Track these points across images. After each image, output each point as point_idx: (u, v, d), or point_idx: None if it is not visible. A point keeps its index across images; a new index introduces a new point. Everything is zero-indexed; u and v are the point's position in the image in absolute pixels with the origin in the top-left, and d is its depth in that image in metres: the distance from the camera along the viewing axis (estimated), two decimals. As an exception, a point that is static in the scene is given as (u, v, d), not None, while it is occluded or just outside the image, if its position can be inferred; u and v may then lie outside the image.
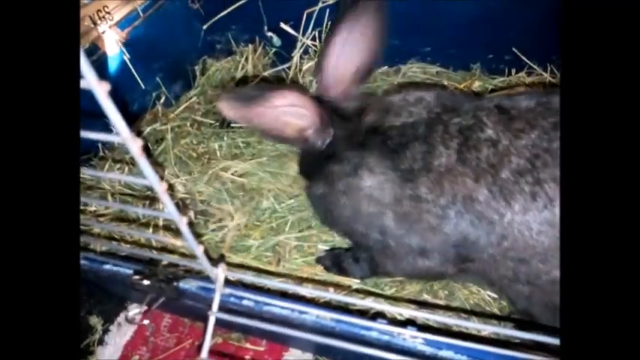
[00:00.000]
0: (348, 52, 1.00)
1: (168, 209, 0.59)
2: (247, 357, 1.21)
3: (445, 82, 1.57)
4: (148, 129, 1.52)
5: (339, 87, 1.02)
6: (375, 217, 0.90)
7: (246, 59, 1.77)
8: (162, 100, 1.64)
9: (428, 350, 0.64)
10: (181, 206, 1.25)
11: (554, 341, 0.60)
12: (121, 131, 0.48)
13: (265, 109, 0.87)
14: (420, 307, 0.96)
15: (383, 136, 0.91)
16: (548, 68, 1.49)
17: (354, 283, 1.06)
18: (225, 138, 1.52)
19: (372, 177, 0.90)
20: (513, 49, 1.50)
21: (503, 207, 0.78)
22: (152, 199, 1.27)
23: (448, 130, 0.86)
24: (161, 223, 1.21)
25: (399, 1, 1.46)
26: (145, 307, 0.93)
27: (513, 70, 1.55)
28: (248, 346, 1.22)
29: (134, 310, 1.20)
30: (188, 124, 1.62)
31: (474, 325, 0.82)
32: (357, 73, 1.02)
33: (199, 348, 1.26)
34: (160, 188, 0.55)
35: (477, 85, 1.57)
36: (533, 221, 0.76)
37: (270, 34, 1.69)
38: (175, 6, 1.66)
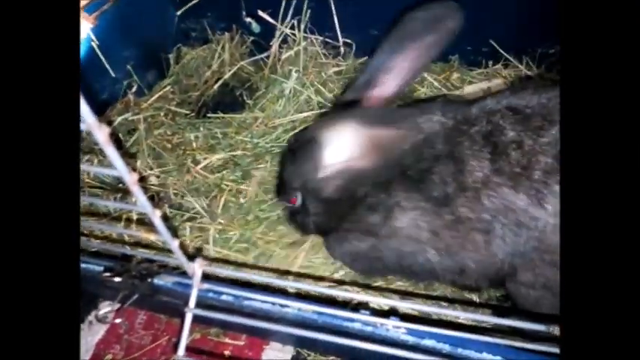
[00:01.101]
0: (409, 66, 1.01)
1: (140, 201, 0.55)
2: (227, 352, 1.18)
3: (424, 73, 1.56)
4: (119, 119, 1.45)
5: (385, 101, 1.00)
6: (418, 254, 0.88)
7: (223, 48, 1.71)
8: (134, 89, 1.57)
9: (411, 340, 0.64)
10: (155, 199, 1.20)
11: (534, 327, 0.61)
12: (86, 118, 0.44)
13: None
14: (401, 297, 0.96)
15: (399, 166, 0.87)
16: (524, 60, 1.51)
17: (336, 274, 1.04)
18: (202, 129, 1.47)
19: (405, 215, 0.86)
20: (491, 41, 1.51)
21: (539, 211, 0.76)
22: (124, 192, 1.22)
23: (473, 139, 0.82)
24: (135, 217, 1.15)
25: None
26: (117, 305, 0.90)
27: (490, 62, 1.56)
28: (227, 340, 1.19)
29: (105, 309, 1.15)
30: (162, 114, 1.55)
31: (454, 313, 0.83)
32: (404, 87, 1.02)
33: (176, 345, 1.22)
34: (130, 179, 0.52)
35: (455, 77, 1.57)
36: None
37: (248, 19, 1.63)
38: (148, -9, 1.59)
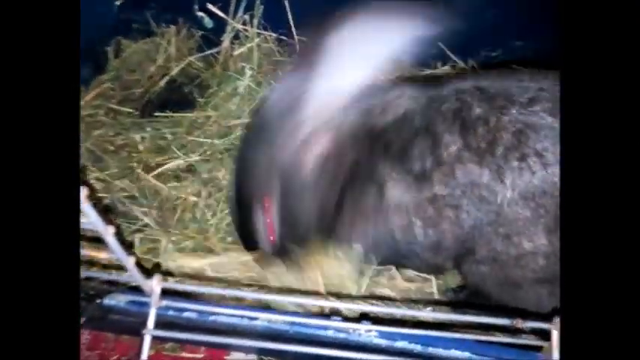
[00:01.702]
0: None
1: (91, 219, 0.49)
2: (185, 367, 1.11)
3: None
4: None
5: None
6: (408, 228, 0.88)
7: (169, 42, 1.60)
8: (67, 85, 1.41)
9: (384, 343, 0.64)
10: (100, 208, 1.09)
11: (498, 321, 0.64)
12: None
13: None
14: (369, 301, 0.96)
15: (383, 140, 0.88)
16: (469, 62, 1.59)
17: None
18: (149, 129, 1.36)
19: (395, 188, 0.87)
20: (438, 43, 1.57)
21: (498, 186, 0.81)
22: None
23: (445, 116, 0.86)
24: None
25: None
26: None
27: (439, 64, 1.62)
28: (185, 355, 1.12)
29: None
30: (102, 112, 1.42)
31: (423, 314, 0.85)
32: None
33: (128, 364, 1.13)
34: (81, 194, 0.45)
35: (406, 77, 1.62)
36: (519, 195, 0.80)
37: (200, 14, 1.54)
38: (79, -25, 1.43)
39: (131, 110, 1.44)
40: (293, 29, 1.55)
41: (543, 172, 0.79)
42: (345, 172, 0.93)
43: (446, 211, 0.86)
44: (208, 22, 1.56)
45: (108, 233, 0.52)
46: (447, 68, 1.62)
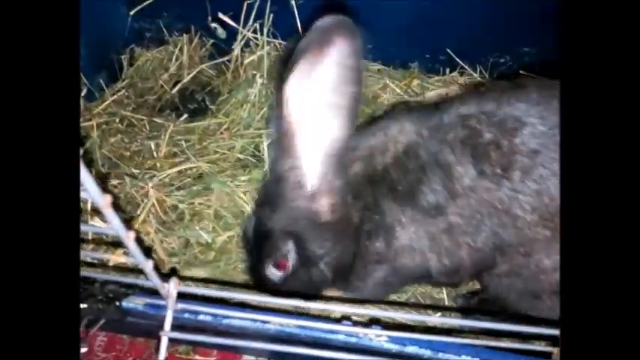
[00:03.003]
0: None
1: (113, 224, 0.52)
2: (198, 370, 1.14)
3: (387, 80, 1.61)
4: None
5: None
6: (423, 263, 0.88)
7: (181, 50, 1.64)
8: (83, 93, 1.46)
9: (394, 348, 0.66)
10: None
11: (506, 327, 0.65)
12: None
13: None
14: (380, 307, 0.98)
15: (385, 181, 0.86)
16: (478, 69, 1.60)
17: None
18: (162, 136, 1.40)
19: (405, 231, 0.86)
20: (447, 49, 1.59)
21: (517, 208, 0.80)
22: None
23: (453, 145, 0.83)
24: (89, 235, 1.07)
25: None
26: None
27: (447, 70, 1.64)
28: (197, 358, 1.15)
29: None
30: (117, 120, 1.46)
31: (434, 319, 0.86)
32: None
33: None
34: (103, 201, 0.48)
35: (415, 84, 1.63)
36: (538, 218, 0.80)
37: (214, 25, 1.58)
38: (96, -14, 1.49)
39: (145, 117, 1.48)
40: (302, 36, 1.58)
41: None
42: (354, 224, 0.90)
43: (463, 238, 0.86)
44: (222, 33, 1.60)
45: (129, 239, 0.55)
46: (455, 74, 1.63)
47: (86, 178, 0.45)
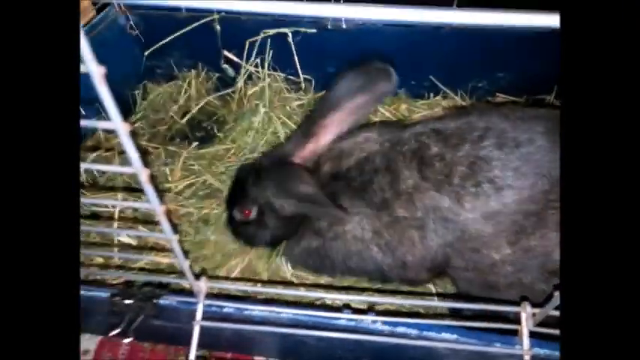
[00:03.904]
0: (342, 123, 1.16)
1: (165, 229, 0.68)
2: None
3: (378, 106, 1.81)
4: (93, 155, 1.52)
5: (319, 153, 1.17)
6: (364, 253, 1.07)
7: (189, 84, 1.85)
8: (103, 126, 1.64)
9: (387, 329, 0.81)
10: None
11: (472, 307, 0.81)
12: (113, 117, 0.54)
13: None
14: (374, 294, 1.14)
15: (345, 179, 1.08)
16: (459, 92, 1.81)
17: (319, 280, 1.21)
18: (177, 162, 1.57)
19: (350, 220, 1.06)
20: (430, 77, 1.80)
21: (459, 208, 0.97)
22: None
23: (404, 155, 1.04)
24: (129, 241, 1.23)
25: (337, 32, 1.69)
26: (98, 338, 0.92)
27: (432, 94, 1.84)
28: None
29: (84, 343, 1.20)
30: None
31: (419, 303, 1.02)
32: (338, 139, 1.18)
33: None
34: (160, 209, 0.65)
35: (403, 108, 1.83)
36: (479, 216, 0.96)
37: (225, 66, 1.80)
38: (113, 33, 1.70)
39: (157, 146, 1.66)
40: (299, 69, 1.79)
41: (497, 195, 0.94)
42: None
43: (409, 233, 1.02)
44: (231, 72, 1.81)
45: (174, 241, 0.71)
46: (439, 98, 1.84)
47: (148, 190, 0.62)
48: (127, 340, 0.80)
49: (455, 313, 1.10)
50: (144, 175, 0.55)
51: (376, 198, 1.04)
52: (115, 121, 0.50)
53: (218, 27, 1.73)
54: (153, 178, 0.57)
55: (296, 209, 1.12)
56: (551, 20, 0.49)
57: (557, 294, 0.70)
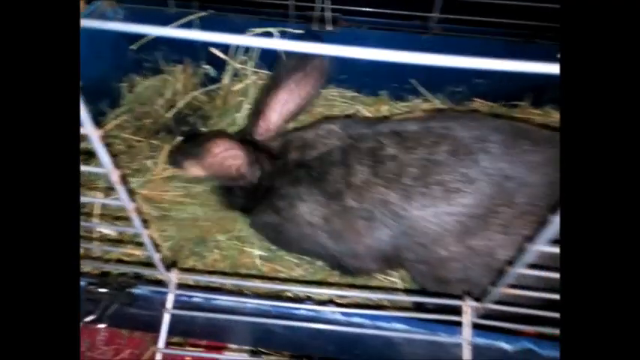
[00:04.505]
0: (286, 102, 1.28)
1: (135, 225, 0.74)
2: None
3: (360, 106, 1.88)
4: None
5: (272, 129, 1.29)
6: (314, 237, 1.16)
7: (176, 79, 1.90)
8: (89, 118, 1.69)
9: (343, 319, 0.89)
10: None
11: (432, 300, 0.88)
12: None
13: (209, 160, 1.13)
14: (333, 287, 1.23)
15: (307, 168, 1.18)
16: (438, 97, 1.88)
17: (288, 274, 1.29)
18: (159, 155, 1.63)
19: (304, 205, 1.16)
20: (410, 80, 1.87)
21: (407, 205, 1.04)
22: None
23: (360, 152, 1.13)
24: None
25: (322, 34, 1.75)
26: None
27: (412, 97, 1.91)
28: (188, 348, 1.35)
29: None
30: (118, 141, 1.69)
31: (371, 296, 1.11)
32: (289, 118, 1.31)
33: (139, 356, 1.37)
34: (131, 206, 0.71)
35: (385, 109, 1.90)
36: (427, 214, 1.03)
37: (206, 66, 1.86)
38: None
39: (142, 139, 1.72)
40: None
41: (446, 197, 1.00)
42: (268, 183, 1.24)
43: (357, 224, 1.10)
44: (213, 72, 1.87)
45: (145, 235, 0.78)
46: (419, 101, 1.91)
47: (120, 190, 0.68)
48: (102, 325, 0.86)
49: (417, 307, 1.18)
50: (115, 175, 0.62)
51: (330, 188, 1.12)
52: (86, 127, 0.56)
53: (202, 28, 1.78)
54: (124, 178, 0.63)
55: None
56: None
57: (494, 290, 0.78)
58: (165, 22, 1.77)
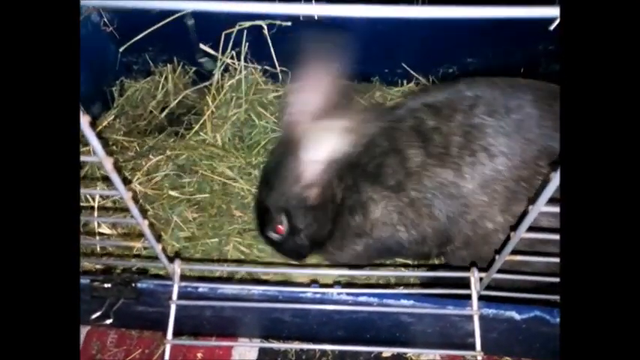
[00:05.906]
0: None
1: (134, 214, 0.74)
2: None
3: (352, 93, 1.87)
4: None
5: None
6: (394, 235, 1.10)
7: (166, 78, 1.89)
8: (81, 123, 1.69)
9: (350, 299, 0.89)
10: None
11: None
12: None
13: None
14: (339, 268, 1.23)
15: (359, 166, 1.11)
16: (430, 79, 1.89)
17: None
18: (151, 155, 1.63)
19: (377, 207, 1.10)
20: (403, 64, 1.87)
21: (461, 181, 1.01)
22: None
23: (404, 133, 1.07)
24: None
25: (310, 23, 1.74)
26: (86, 328, 0.98)
27: (405, 82, 1.91)
28: (197, 342, 1.35)
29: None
30: (110, 143, 1.69)
31: (376, 274, 1.10)
32: None
33: (150, 356, 1.37)
34: (127, 195, 0.71)
35: (377, 95, 1.90)
36: (476, 186, 1.01)
37: (203, 59, 1.85)
38: (87, 30, 1.74)
39: (136, 140, 1.72)
40: (275, 61, 1.84)
41: (491, 163, 0.98)
42: (336, 202, 1.15)
43: (423, 211, 1.07)
44: (211, 65, 1.86)
45: (144, 225, 0.78)
46: (412, 85, 1.91)
47: (117, 182, 0.68)
48: (108, 321, 0.87)
49: (429, 283, 1.17)
50: (108, 163, 0.62)
51: (391, 180, 1.07)
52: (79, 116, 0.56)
53: (192, 21, 1.77)
54: (118, 167, 0.63)
55: (318, 196, 1.11)
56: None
57: (497, 257, 0.78)
58: (151, 22, 1.77)
